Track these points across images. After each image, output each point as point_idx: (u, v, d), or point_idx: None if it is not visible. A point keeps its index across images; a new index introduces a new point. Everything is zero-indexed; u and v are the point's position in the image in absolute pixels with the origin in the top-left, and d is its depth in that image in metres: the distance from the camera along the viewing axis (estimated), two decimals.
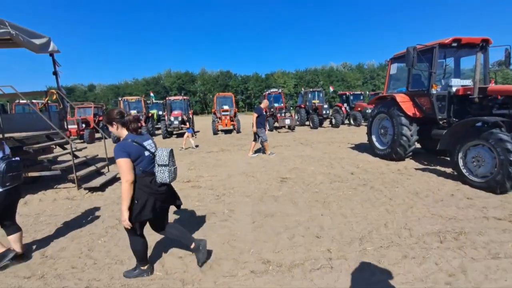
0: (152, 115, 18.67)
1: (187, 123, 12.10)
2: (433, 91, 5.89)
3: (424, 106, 6.33)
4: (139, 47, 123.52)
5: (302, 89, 22.74)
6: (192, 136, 11.32)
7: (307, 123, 19.62)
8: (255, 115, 8.30)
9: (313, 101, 19.36)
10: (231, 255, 2.92)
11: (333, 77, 60.04)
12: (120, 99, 17.21)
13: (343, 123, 19.33)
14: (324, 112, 18.16)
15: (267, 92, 19.34)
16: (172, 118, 16.20)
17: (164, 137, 15.77)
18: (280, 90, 19.30)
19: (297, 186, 5.23)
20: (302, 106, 20.11)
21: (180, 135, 17.04)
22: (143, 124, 16.52)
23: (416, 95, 6.49)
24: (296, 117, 20.80)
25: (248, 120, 30.91)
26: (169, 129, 16.27)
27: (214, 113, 17.85)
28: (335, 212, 3.92)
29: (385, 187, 4.94)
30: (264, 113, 8.65)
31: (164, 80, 61.53)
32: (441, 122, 6.04)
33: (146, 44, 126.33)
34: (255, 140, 8.68)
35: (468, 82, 6.06)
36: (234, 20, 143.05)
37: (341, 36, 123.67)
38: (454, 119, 5.85)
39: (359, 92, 21.20)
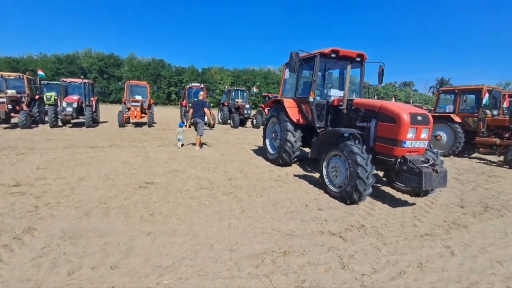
0: (41, 97, 15.34)
1: None
2: (311, 98, 5.92)
3: (307, 114, 6.38)
4: (51, 16, 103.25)
5: (226, 86, 22.35)
6: None
7: (229, 121, 19.22)
8: (206, 108, 8.91)
9: (236, 100, 19.06)
10: None
11: (269, 79, 61.73)
12: None
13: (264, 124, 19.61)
14: (245, 111, 18.02)
15: (188, 86, 18.16)
16: (64, 104, 13.56)
17: (52, 126, 13.04)
18: (202, 85, 18.33)
19: (154, 194, 4.48)
20: (225, 104, 19.62)
21: (78, 124, 14.47)
22: (24, 107, 13.35)
23: (302, 102, 6.50)
24: (219, 115, 20.23)
25: (171, 114, 28.97)
26: (60, 117, 13.59)
27: (124, 103, 15.83)
28: (167, 230, 3.30)
29: (249, 197, 4.62)
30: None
31: (82, 60, 53.19)
32: (319, 130, 6.14)
33: (61, 14, 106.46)
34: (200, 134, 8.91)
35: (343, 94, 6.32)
36: (172, 4, 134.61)
37: (282, 40, 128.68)
38: (330, 128, 6.00)
39: None
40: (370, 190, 4.34)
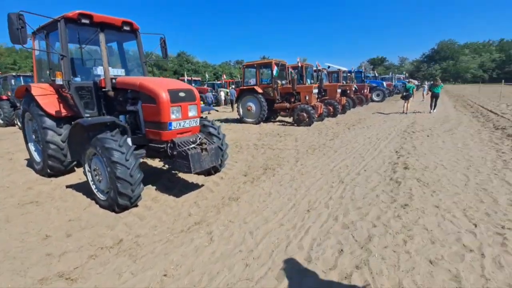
0: None
1: None
2: (59, 81, 4.33)
3: (71, 101, 4.75)
4: None
5: None
6: None
7: (15, 121, 13.78)
8: None
9: None
10: None
11: None
12: None
13: None
14: None
15: None
16: None
17: None
18: None
19: None
20: (4, 97, 13.83)
21: None
22: None
23: (60, 86, 4.75)
24: None
25: None
26: None
27: None
28: None
29: None
30: None
31: None
32: None
33: None
34: None
35: (120, 72, 5.15)
36: None
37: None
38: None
39: None
40: (141, 188, 3.56)
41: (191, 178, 4.87)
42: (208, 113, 17.11)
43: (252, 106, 11.73)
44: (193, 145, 3.75)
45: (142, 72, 5.64)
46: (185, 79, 22.96)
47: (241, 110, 12.18)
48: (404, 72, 59.47)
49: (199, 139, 3.90)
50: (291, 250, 2.61)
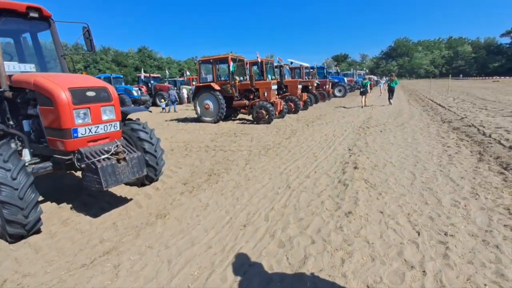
0: None
1: None
2: None
3: None
4: None
5: None
6: None
7: None
8: None
9: None
10: None
11: None
12: None
13: None
14: None
15: None
16: None
17: None
18: None
19: None
20: None
21: None
22: None
23: None
24: None
25: None
26: None
27: None
28: None
29: None
30: None
31: None
32: None
33: None
34: None
35: (29, 68, 4.27)
36: None
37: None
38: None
39: None
40: (38, 211, 2.86)
41: (120, 190, 4.20)
42: (167, 111, 16.11)
43: (210, 104, 11.09)
44: (106, 155, 3.11)
45: (60, 68, 4.77)
46: (142, 76, 21.48)
47: (198, 109, 11.47)
48: (364, 69, 62.28)
49: (116, 147, 3.26)
50: (211, 284, 2.15)
